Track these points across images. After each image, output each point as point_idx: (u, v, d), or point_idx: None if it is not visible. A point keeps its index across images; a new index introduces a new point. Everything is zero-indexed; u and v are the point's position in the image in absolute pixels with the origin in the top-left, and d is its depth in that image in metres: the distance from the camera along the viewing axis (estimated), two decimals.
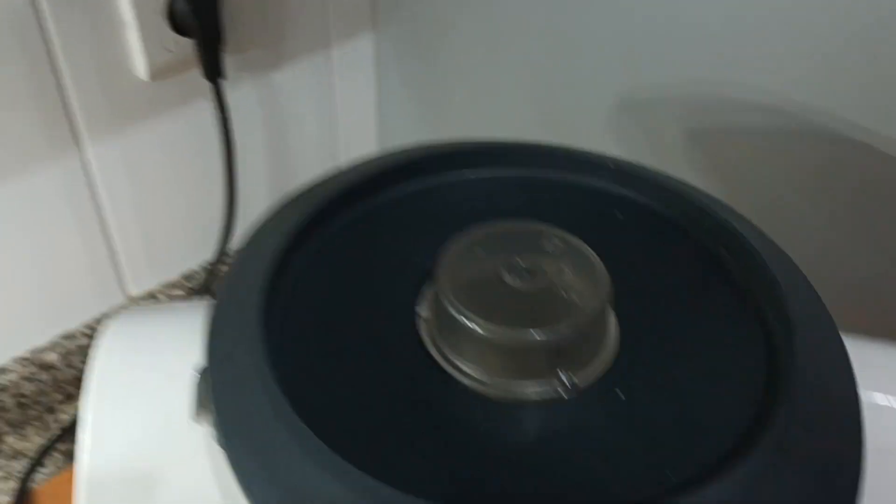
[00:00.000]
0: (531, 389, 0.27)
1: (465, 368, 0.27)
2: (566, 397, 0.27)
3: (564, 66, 0.51)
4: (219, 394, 0.26)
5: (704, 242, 0.33)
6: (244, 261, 0.30)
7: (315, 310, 0.30)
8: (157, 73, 0.51)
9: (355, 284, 0.31)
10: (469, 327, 0.27)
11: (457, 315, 0.27)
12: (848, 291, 0.42)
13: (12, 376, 0.55)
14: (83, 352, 0.58)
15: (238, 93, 0.58)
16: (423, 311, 0.29)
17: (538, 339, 0.26)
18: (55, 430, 0.57)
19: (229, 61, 0.54)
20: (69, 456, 0.56)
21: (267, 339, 0.26)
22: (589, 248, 0.29)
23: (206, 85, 0.53)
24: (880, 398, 0.31)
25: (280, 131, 0.63)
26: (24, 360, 0.56)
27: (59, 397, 0.58)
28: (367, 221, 0.33)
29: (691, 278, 0.32)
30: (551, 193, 0.34)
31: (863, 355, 0.29)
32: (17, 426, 0.57)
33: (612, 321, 0.29)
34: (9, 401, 0.55)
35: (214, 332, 0.28)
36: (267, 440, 0.24)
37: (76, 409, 0.59)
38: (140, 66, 0.50)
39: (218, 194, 0.59)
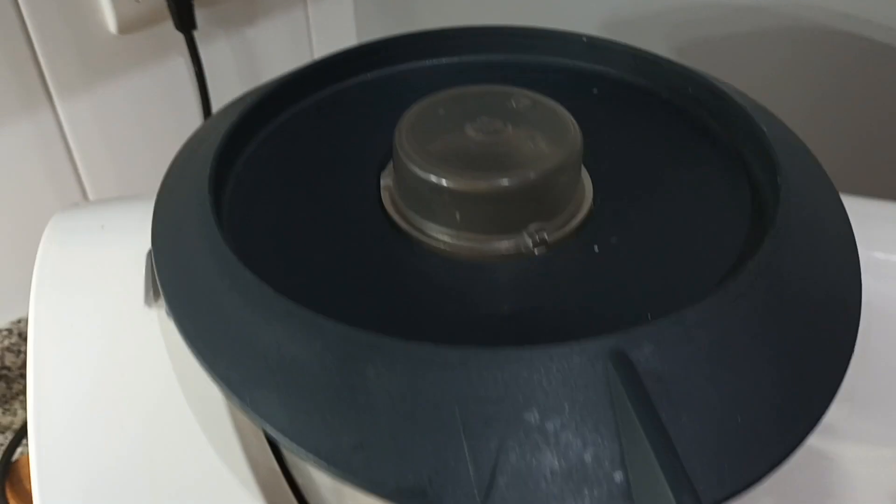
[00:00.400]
0: (497, 246, 0.25)
1: (427, 229, 0.26)
2: (535, 253, 0.25)
3: None
4: (162, 256, 0.25)
5: (685, 106, 0.31)
6: (194, 143, 0.29)
7: (271, 185, 0.28)
8: (126, 27, 0.50)
9: (315, 163, 0.29)
10: (425, 179, 0.25)
11: (413, 167, 0.25)
12: (838, 158, 0.41)
13: None
14: None
15: (211, 47, 0.57)
16: (387, 179, 0.28)
17: (499, 184, 0.24)
18: None
19: (200, 15, 0.53)
20: None
21: (217, 206, 0.25)
22: (559, 105, 0.27)
23: (177, 39, 0.52)
24: (879, 255, 0.29)
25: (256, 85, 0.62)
26: (5, 332, 0.54)
27: None
28: (327, 107, 0.32)
29: (671, 140, 0.30)
30: (521, 74, 0.33)
31: (859, 210, 0.27)
32: (1, 401, 0.55)
33: (585, 177, 0.27)
34: None
35: (161, 208, 0.26)
36: (214, 297, 0.23)
37: None
38: (109, 19, 0.50)
39: None
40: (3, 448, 0.52)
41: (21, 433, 0.53)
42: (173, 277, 0.24)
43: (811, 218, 0.23)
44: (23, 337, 0.55)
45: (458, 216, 0.25)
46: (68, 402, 0.27)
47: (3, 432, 0.54)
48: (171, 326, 0.28)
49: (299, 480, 0.28)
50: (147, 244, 0.29)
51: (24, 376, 0.55)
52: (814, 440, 0.30)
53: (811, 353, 0.21)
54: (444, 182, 0.24)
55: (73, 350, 0.28)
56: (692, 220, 0.26)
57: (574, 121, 0.27)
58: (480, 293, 0.24)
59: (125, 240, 0.30)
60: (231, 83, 0.60)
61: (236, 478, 0.27)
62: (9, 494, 0.51)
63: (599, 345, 0.19)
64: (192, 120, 0.58)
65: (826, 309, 0.22)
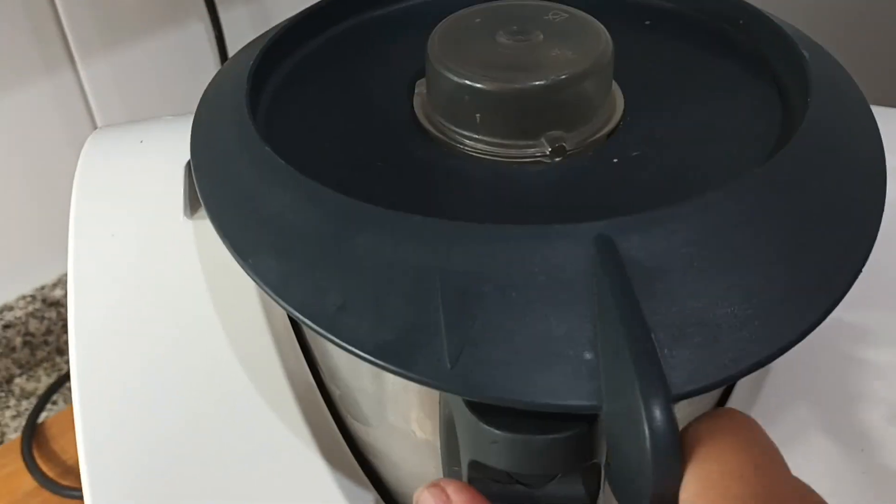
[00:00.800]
0: (515, 151, 0.25)
1: (449, 131, 0.26)
2: (552, 160, 0.25)
3: None
4: (197, 146, 0.26)
5: (715, 25, 0.31)
6: (230, 66, 0.29)
7: (305, 97, 0.29)
8: None
9: (351, 76, 0.30)
10: (447, 77, 0.25)
11: (437, 66, 0.26)
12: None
13: (18, 313, 0.55)
14: None
15: (229, 12, 0.57)
16: (421, 86, 0.29)
17: (517, 86, 0.25)
18: (65, 371, 0.57)
19: None
20: None
21: (252, 106, 0.26)
22: (596, 20, 0.27)
23: (197, 1, 0.53)
24: None
25: None
26: (29, 298, 0.56)
27: (68, 337, 0.58)
28: (366, 29, 0.32)
29: (706, 62, 0.29)
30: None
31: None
32: (25, 367, 0.57)
33: (617, 94, 0.27)
34: (16, 339, 0.56)
35: (199, 121, 0.27)
36: (235, 171, 0.24)
37: None
38: None
39: None
40: (29, 412, 0.55)
41: (45, 398, 0.55)
42: (205, 162, 0.26)
43: (836, 129, 0.23)
44: (46, 303, 0.56)
45: (477, 118, 0.25)
46: (107, 312, 0.29)
47: (27, 397, 0.56)
48: (206, 237, 0.30)
49: (336, 392, 0.30)
50: (185, 157, 0.30)
51: (47, 343, 0.58)
52: (846, 344, 0.29)
53: (812, 261, 0.20)
54: (464, 81, 0.25)
55: (112, 259, 0.30)
56: (718, 138, 0.26)
57: (608, 35, 0.26)
58: (489, 191, 0.25)
59: (164, 153, 0.31)
60: None
61: (271, 389, 0.29)
62: (36, 455, 0.53)
63: (585, 229, 0.20)
64: None
65: (837, 217, 0.21)
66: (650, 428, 0.17)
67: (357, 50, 0.31)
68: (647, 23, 0.32)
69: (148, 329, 0.29)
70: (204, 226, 0.31)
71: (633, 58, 0.30)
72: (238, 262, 0.22)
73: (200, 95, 0.28)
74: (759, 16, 0.29)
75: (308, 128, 0.27)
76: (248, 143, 0.24)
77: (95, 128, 0.53)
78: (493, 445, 0.20)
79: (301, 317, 0.20)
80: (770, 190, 0.21)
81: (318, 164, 0.26)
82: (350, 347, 0.20)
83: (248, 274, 0.22)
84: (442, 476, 0.24)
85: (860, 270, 0.21)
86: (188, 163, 0.30)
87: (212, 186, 0.25)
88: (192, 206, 0.31)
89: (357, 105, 0.29)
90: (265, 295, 0.27)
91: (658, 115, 0.27)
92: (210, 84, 0.29)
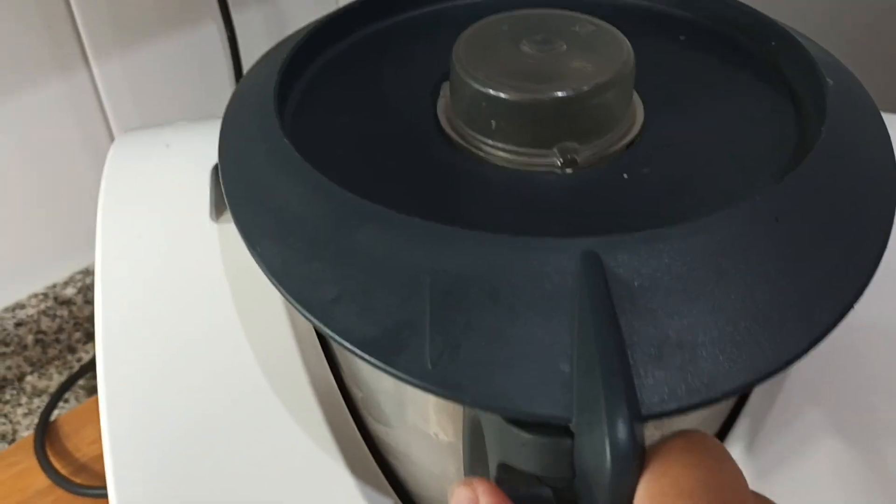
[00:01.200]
0: (528, 160, 0.26)
1: (467, 133, 0.27)
2: (563, 171, 0.26)
3: None
4: (225, 148, 0.27)
5: (734, 37, 0.31)
6: (257, 69, 0.30)
7: (332, 98, 0.30)
8: None
9: (375, 81, 0.31)
10: (466, 82, 0.26)
11: (459, 71, 0.26)
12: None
13: (30, 311, 0.56)
14: None
15: (242, 14, 0.57)
16: (446, 89, 0.29)
17: (534, 96, 0.25)
18: (77, 369, 0.57)
19: None
20: (89, 391, 0.57)
21: (280, 112, 0.27)
22: (621, 35, 0.28)
23: (210, 2, 0.53)
24: None
25: None
26: (41, 296, 0.56)
27: (80, 336, 0.59)
28: (383, 36, 0.33)
29: (727, 76, 0.30)
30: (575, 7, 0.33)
31: None
32: (37, 365, 0.58)
33: (637, 106, 0.28)
34: (28, 337, 0.56)
35: (227, 122, 0.28)
36: (255, 163, 0.25)
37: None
38: None
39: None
40: (41, 410, 0.55)
41: (57, 395, 0.55)
42: (231, 156, 0.27)
43: (844, 157, 0.23)
44: (58, 301, 0.57)
45: (493, 124, 0.26)
46: (133, 313, 0.30)
47: (39, 395, 0.57)
48: (231, 240, 0.30)
49: (358, 394, 0.31)
50: (211, 161, 0.31)
51: (59, 341, 0.58)
52: (864, 347, 0.29)
53: (799, 292, 0.20)
54: (481, 87, 0.26)
55: (139, 260, 0.31)
56: (731, 156, 0.26)
57: (630, 50, 0.27)
58: (497, 197, 0.26)
59: (190, 156, 0.32)
60: (261, 45, 0.59)
61: (293, 390, 0.29)
62: (49, 453, 0.53)
63: (573, 244, 0.20)
64: (224, 83, 0.59)
65: (829, 250, 0.21)
66: (611, 445, 0.18)
67: (386, 52, 0.32)
68: (682, 38, 0.32)
69: (173, 330, 0.30)
70: (229, 229, 0.31)
71: (659, 69, 0.30)
72: (247, 248, 0.23)
73: (213, 95, 0.29)
74: (785, 35, 0.29)
75: (332, 127, 0.28)
76: (270, 137, 0.25)
77: (109, 128, 0.55)
78: (522, 448, 0.20)
79: (297, 305, 0.21)
80: (761, 220, 0.21)
81: (338, 160, 0.27)
82: (339, 338, 0.21)
83: (255, 259, 0.23)
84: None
85: (851, 307, 0.21)
86: (214, 166, 0.31)
87: (234, 177, 0.26)
88: (217, 210, 0.32)
89: (382, 106, 0.29)
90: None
91: (674, 130, 0.28)
92: (239, 85, 0.30)
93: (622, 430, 0.18)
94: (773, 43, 0.29)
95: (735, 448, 0.29)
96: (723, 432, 0.31)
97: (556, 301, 0.20)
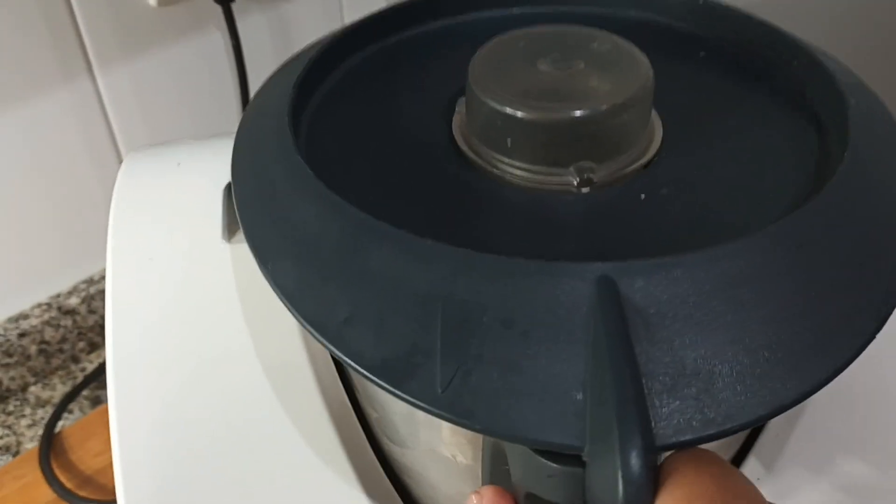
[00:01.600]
0: (544, 178, 0.26)
1: (483, 153, 0.27)
2: (579, 190, 0.26)
3: None
4: (239, 172, 0.27)
5: (756, 56, 0.31)
6: (265, 94, 0.30)
7: (348, 113, 0.30)
8: None
9: (390, 96, 0.31)
10: (482, 100, 0.26)
11: (474, 88, 0.26)
12: None
13: (34, 322, 0.56)
14: (105, 296, 0.58)
15: (246, 23, 0.58)
16: (461, 105, 0.29)
17: (549, 115, 0.25)
18: (80, 379, 0.57)
19: None
20: (94, 402, 0.57)
21: (295, 129, 0.27)
22: (640, 53, 0.28)
23: (214, 11, 0.54)
24: None
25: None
26: (44, 306, 0.57)
27: (83, 345, 0.59)
28: (404, 50, 0.33)
29: (746, 96, 0.30)
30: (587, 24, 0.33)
31: None
32: (40, 375, 0.58)
33: (657, 125, 0.28)
34: (32, 347, 0.56)
35: (241, 140, 0.28)
36: (270, 181, 0.25)
37: (101, 357, 0.59)
38: None
39: (228, 122, 0.58)
40: (45, 421, 0.55)
41: (62, 406, 0.55)
42: (244, 174, 0.27)
43: (869, 177, 0.23)
44: (62, 311, 0.57)
45: (508, 142, 0.26)
46: (145, 335, 0.30)
47: (42, 406, 0.57)
48: (243, 261, 0.30)
49: (373, 414, 0.31)
50: (223, 180, 0.31)
51: (62, 351, 0.58)
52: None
53: (818, 324, 0.20)
54: (496, 105, 0.26)
55: (150, 282, 0.31)
56: (750, 180, 0.26)
57: (649, 69, 0.27)
58: (513, 216, 0.25)
59: (202, 175, 0.32)
60: (266, 55, 0.61)
61: (307, 410, 0.29)
62: (54, 466, 0.53)
63: (589, 269, 0.20)
64: (229, 91, 0.59)
65: (850, 281, 0.21)
66: (624, 477, 0.18)
67: (401, 66, 0.32)
68: (702, 54, 0.32)
69: (184, 352, 0.30)
70: (241, 249, 0.31)
71: (679, 88, 0.30)
72: (259, 268, 0.23)
73: (217, 103, 0.29)
74: (808, 55, 0.28)
75: (348, 143, 0.29)
76: (285, 155, 0.25)
77: (113, 137, 0.56)
78: (550, 479, 0.20)
79: (309, 327, 0.22)
80: (781, 248, 0.21)
81: (353, 179, 0.27)
82: (350, 361, 0.21)
83: (266, 279, 0.23)
84: None
85: (872, 338, 0.20)
86: (227, 186, 0.31)
87: (247, 195, 0.26)
88: (230, 230, 0.32)
89: (397, 122, 0.30)
90: None
91: (694, 151, 0.27)
92: (251, 102, 0.30)
93: (635, 461, 0.18)
94: (796, 63, 0.29)
95: (752, 473, 0.29)
96: (739, 456, 0.30)
97: (571, 328, 0.20)
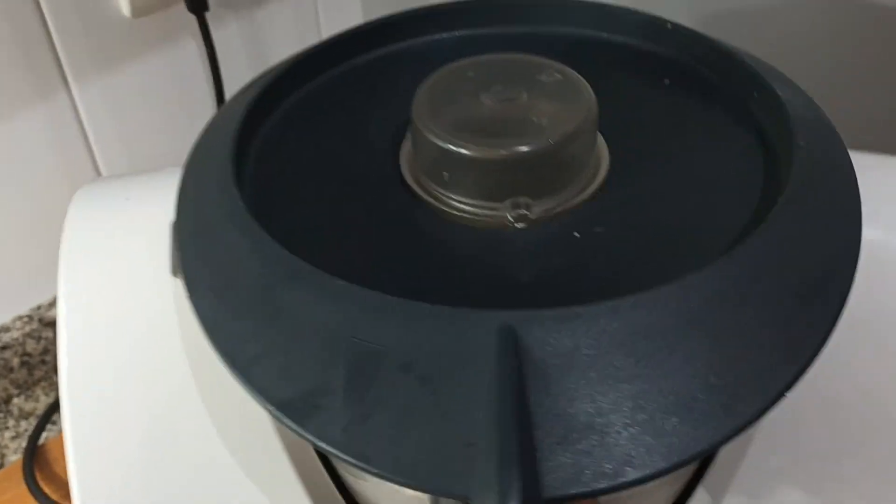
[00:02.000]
0: (481, 212, 0.26)
1: (426, 184, 0.27)
2: (515, 226, 0.26)
3: None
4: (182, 205, 0.27)
5: (701, 73, 0.31)
6: (213, 126, 0.30)
7: (290, 155, 0.30)
8: (140, 10, 0.53)
9: (333, 134, 0.31)
10: (421, 133, 0.26)
11: (416, 121, 0.27)
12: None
13: (15, 334, 0.56)
14: None
15: (220, 32, 0.58)
16: (408, 140, 0.30)
17: (483, 152, 0.25)
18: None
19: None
20: None
21: (237, 171, 0.27)
22: (586, 87, 0.28)
23: (189, 21, 0.54)
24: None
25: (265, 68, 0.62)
26: (26, 318, 0.57)
27: None
28: (340, 83, 0.33)
29: (695, 119, 0.30)
30: (534, 46, 0.32)
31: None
32: (24, 387, 0.58)
33: (603, 158, 0.28)
34: (14, 360, 0.57)
35: (185, 182, 0.28)
36: (214, 233, 0.25)
37: None
38: (123, 2, 0.52)
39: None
40: (29, 434, 0.55)
41: (45, 418, 0.55)
42: (186, 212, 0.27)
43: (803, 226, 0.23)
44: (43, 323, 0.57)
45: (445, 176, 0.26)
46: (97, 372, 0.30)
47: (26, 418, 0.57)
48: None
49: None
50: (171, 214, 0.30)
51: (45, 362, 0.58)
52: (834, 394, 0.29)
53: (721, 383, 0.20)
54: (433, 139, 0.26)
55: (102, 318, 0.31)
56: (693, 216, 0.26)
57: (594, 104, 0.27)
58: (446, 251, 0.26)
59: (150, 210, 0.32)
60: (241, 65, 0.61)
61: (257, 453, 0.29)
62: (38, 478, 0.52)
63: (492, 317, 0.20)
64: (205, 101, 0.60)
65: (762, 338, 0.21)
66: None
67: (354, 93, 0.32)
68: (667, 82, 0.32)
69: (135, 385, 0.30)
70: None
71: (629, 108, 0.30)
72: (188, 300, 0.24)
73: (194, 115, 0.29)
74: (757, 78, 0.28)
75: (294, 174, 0.29)
76: (223, 189, 0.26)
77: (90, 150, 0.56)
78: None
79: (223, 359, 0.22)
80: (688, 302, 0.21)
81: (296, 210, 0.27)
82: (257, 397, 0.21)
83: (194, 312, 0.24)
84: None
85: (778, 399, 0.20)
86: (174, 222, 0.32)
87: (187, 229, 0.27)
88: (176, 266, 0.31)
89: (346, 151, 0.30)
90: None
91: (637, 184, 0.28)
92: (201, 135, 0.30)
93: None
94: (746, 86, 0.29)
95: None
96: (688, 489, 0.30)
97: (470, 377, 0.20)
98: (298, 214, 0.27)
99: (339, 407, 0.20)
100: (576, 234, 0.26)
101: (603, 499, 0.24)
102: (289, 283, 0.22)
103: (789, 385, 0.21)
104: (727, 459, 0.30)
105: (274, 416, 0.21)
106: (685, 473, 0.30)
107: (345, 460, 0.20)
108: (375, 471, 0.20)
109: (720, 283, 0.21)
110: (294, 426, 0.21)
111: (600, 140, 0.28)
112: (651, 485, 0.28)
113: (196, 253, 0.25)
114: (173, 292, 0.30)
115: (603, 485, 0.19)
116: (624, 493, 0.26)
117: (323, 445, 0.20)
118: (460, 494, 0.19)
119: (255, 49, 0.62)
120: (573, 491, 0.19)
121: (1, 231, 0.55)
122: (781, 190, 0.24)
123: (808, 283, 0.22)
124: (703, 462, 0.30)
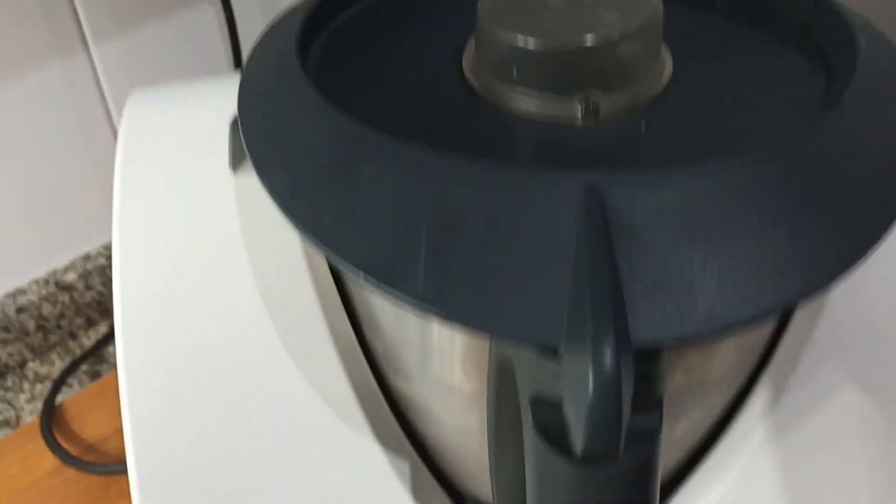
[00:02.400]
0: (548, 106, 0.26)
1: (490, 82, 0.28)
2: (583, 120, 0.26)
3: None
4: (246, 93, 0.28)
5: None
6: (273, 31, 0.31)
7: (352, 60, 0.30)
8: None
9: (399, 35, 0.32)
10: (490, 30, 0.27)
11: (483, 19, 0.27)
12: None
13: (32, 297, 0.57)
14: (103, 272, 0.59)
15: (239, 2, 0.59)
16: (472, 43, 0.30)
17: (554, 44, 0.26)
18: (79, 354, 0.58)
19: None
20: (92, 376, 0.58)
21: (302, 57, 0.27)
22: None
23: None
24: None
25: None
26: (42, 281, 0.57)
27: (81, 322, 0.60)
28: None
29: (753, 31, 0.30)
30: None
31: None
32: (38, 352, 0.59)
33: (666, 60, 0.28)
34: (30, 322, 0.57)
35: (250, 66, 0.29)
36: (273, 99, 0.26)
37: (98, 333, 0.60)
38: None
39: None
40: (45, 397, 0.55)
41: (61, 379, 0.56)
42: (249, 98, 0.28)
43: (872, 110, 0.23)
44: (60, 286, 0.57)
45: (514, 73, 0.27)
46: (152, 276, 0.31)
47: (41, 382, 0.57)
48: (248, 194, 0.31)
49: (378, 348, 0.31)
50: (230, 113, 0.31)
51: (60, 327, 0.59)
52: None
53: (806, 242, 0.21)
54: (500, 35, 0.26)
55: (160, 218, 0.31)
56: (756, 116, 0.27)
57: (659, 4, 0.27)
58: (512, 146, 0.26)
59: (208, 109, 0.33)
60: (259, 28, 0.58)
61: (313, 345, 0.30)
62: (58, 438, 0.53)
63: (576, 178, 0.21)
64: (223, 66, 0.60)
65: (843, 205, 0.21)
66: (594, 371, 0.18)
67: (414, 6, 0.33)
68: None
69: (193, 290, 0.31)
70: (248, 183, 0.32)
71: (692, 28, 0.31)
72: (259, 178, 0.24)
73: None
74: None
75: (355, 76, 0.30)
76: (289, 73, 0.26)
77: (108, 112, 0.56)
78: (555, 381, 0.20)
79: (302, 231, 0.22)
80: (769, 166, 0.21)
81: (357, 103, 0.28)
82: (339, 259, 0.22)
83: (264, 188, 0.24)
84: (486, 428, 0.26)
85: (861, 258, 0.21)
86: (234, 121, 0.32)
87: (251, 113, 0.27)
88: (236, 161, 0.33)
89: (406, 57, 0.31)
90: (309, 250, 0.28)
91: (701, 86, 0.28)
92: (259, 38, 0.31)
93: (607, 357, 0.18)
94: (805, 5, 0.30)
95: (759, 400, 0.30)
96: (750, 383, 0.31)
97: (555, 232, 0.20)
98: (364, 110, 0.28)
99: (422, 264, 0.21)
100: (643, 127, 0.26)
101: (679, 376, 0.25)
102: (369, 154, 0.22)
103: (871, 244, 0.21)
104: (789, 352, 0.30)
105: (358, 278, 0.21)
106: (747, 367, 0.30)
107: (431, 312, 0.21)
108: (461, 322, 0.20)
109: (803, 151, 0.22)
110: (380, 284, 0.21)
111: (664, 48, 0.29)
112: (723, 361, 0.28)
113: (263, 134, 0.25)
114: (232, 190, 0.31)
115: (691, 330, 0.19)
116: (704, 360, 0.26)
117: (409, 300, 0.21)
118: (551, 343, 0.19)
119: (273, 12, 0.62)
120: (662, 337, 0.19)
121: (17, 194, 0.55)
122: (844, 90, 0.25)
123: (882, 157, 0.23)
124: (763, 356, 0.31)
